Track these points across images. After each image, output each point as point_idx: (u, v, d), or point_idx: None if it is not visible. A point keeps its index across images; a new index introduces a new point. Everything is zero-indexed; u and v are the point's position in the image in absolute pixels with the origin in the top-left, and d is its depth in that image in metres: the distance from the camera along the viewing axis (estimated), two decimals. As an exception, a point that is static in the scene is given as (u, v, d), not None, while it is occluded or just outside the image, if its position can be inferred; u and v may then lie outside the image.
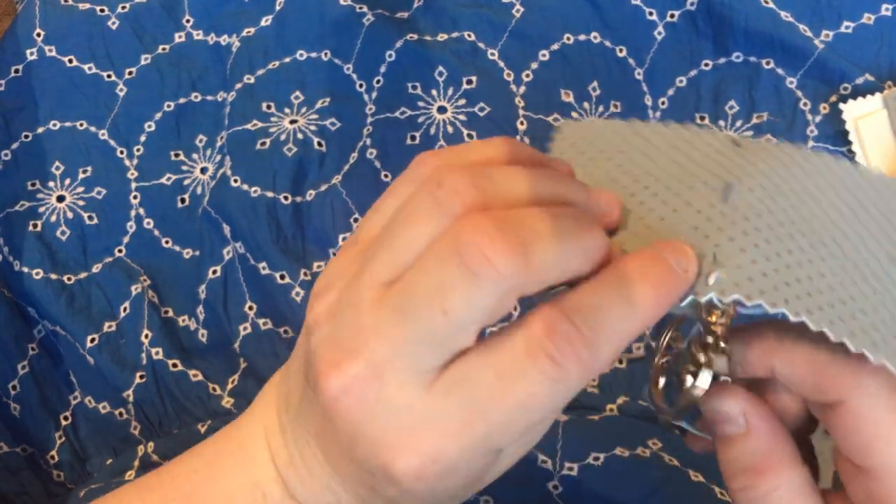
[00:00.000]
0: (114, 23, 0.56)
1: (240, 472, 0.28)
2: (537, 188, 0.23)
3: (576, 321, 0.21)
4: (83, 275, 0.51)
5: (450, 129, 0.53)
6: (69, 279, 0.51)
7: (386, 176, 0.52)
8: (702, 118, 0.53)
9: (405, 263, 0.22)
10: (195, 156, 0.55)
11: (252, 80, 0.54)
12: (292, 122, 0.53)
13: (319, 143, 0.53)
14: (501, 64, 0.54)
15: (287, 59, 0.55)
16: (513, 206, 0.23)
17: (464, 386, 0.22)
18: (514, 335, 0.22)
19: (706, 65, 0.53)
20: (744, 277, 0.22)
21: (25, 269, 0.51)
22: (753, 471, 0.24)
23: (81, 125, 0.54)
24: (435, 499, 0.24)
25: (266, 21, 0.56)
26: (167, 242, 0.53)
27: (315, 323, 0.24)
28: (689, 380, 0.24)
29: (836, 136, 0.51)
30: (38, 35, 0.56)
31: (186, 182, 0.54)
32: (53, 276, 0.51)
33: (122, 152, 0.54)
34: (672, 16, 0.54)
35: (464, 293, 0.21)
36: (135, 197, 0.54)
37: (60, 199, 0.53)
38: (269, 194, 0.51)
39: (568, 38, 0.54)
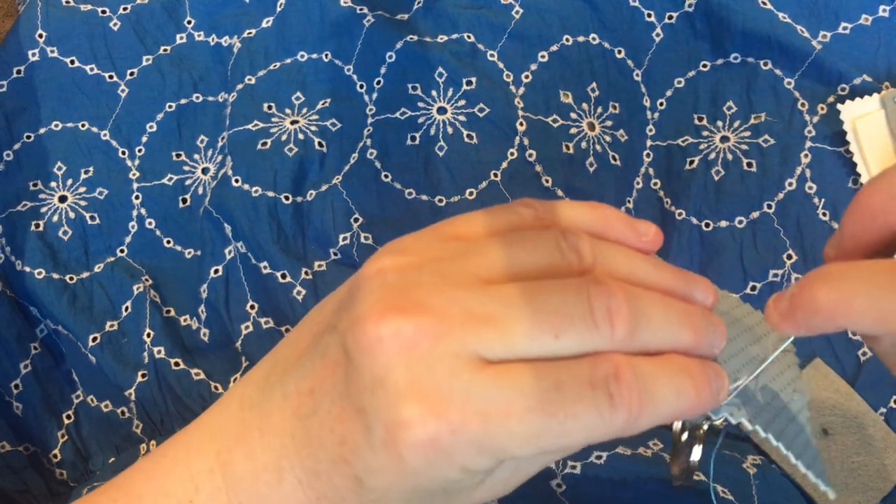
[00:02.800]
0: (115, 24, 0.57)
1: (180, 466, 0.28)
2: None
3: (640, 379, 0.23)
4: (85, 274, 0.52)
5: (449, 129, 0.53)
6: (71, 279, 0.51)
7: (386, 176, 0.52)
8: (700, 119, 0.53)
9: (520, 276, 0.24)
10: (196, 156, 0.55)
11: (253, 81, 0.55)
12: (293, 122, 0.53)
13: (320, 144, 0.53)
14: (501, 65, 0.54)
15: (288, 60, 0.55)
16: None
17: (517, 383, 0.22)
18: (582, 364, 0.23)
19: (704, 66, 0.54)
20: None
21: (27, 269, 0.51)
22: None
23: (83, 125, 0.55)
24: (402, 495, 0.24)
25: (267, 22, 0.56)
26: (169, 242, 0.53)
27: (381, 271, 0.24)
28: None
29: (834, 137, 0.51)
30: (40, 36, 0.56)
31: (188, 182, 0.54)
32: (55, 276, 0.51)
33: (123, 153, 0.55)
34: (670, 17, 0.54)
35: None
36: (136, 197, 0.54)
37: (62, 199, 0.53)
38: (270, 194, 0.51)
39: (567, 40, 0.55)
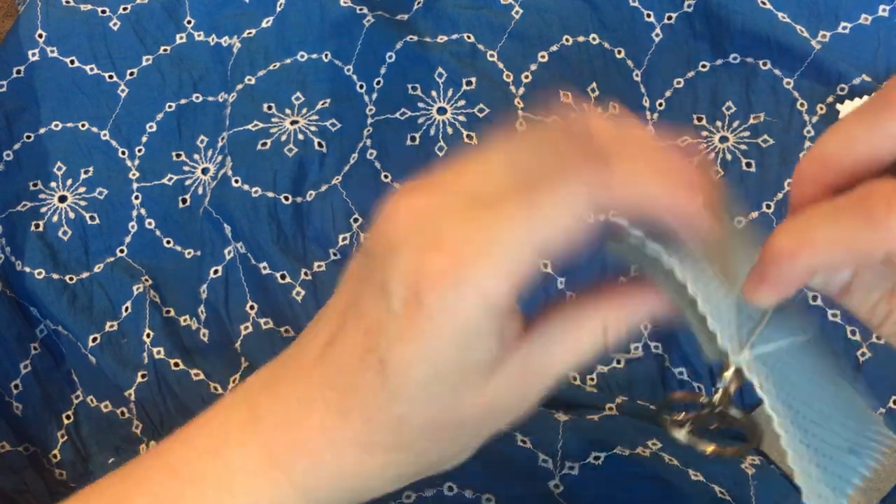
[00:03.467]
0: (115, 24, 0.57)
1: (210, 425, 0.28)
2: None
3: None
4: (85, 274, 0.52)
5: (449, 129, 0.53)
6: (71, 279, 0.51)
7: (386, 176, 0.53)
8: (699, 119, 0.53)
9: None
10: (196, 156, 0.55)
11: (253, 81, 0.55)
12: (293, 122, 0.53)
13: (320, 144, 0.53)
14: (501, 65, 0.54)
15: (288, 61, 0.55)
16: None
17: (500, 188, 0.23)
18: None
19: (703, 66, 0.54)
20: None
21: (27, 269, 0.51)
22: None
23: (83, 126, 0.55)
24: (425, 375, 0.23)
25: (267, 22, 0.56)
26: (168, 242, 0.53)
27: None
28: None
29: (833, 137, 0.51)
30: (40, 36, 0.56)
31: (188, 182, 0.54)
32: (55, 276, 0.51)
33: (123, 153, 0.55)
34: (669, 17, 0.54)
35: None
36: (136, 197, 0.54)
37: (62, 199, 0.53)
38: (270, 194, 0.51)
39: (567, 40, 0.55)
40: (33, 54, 0.56)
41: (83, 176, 0.54)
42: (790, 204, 0.24)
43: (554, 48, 0.55)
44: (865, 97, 0.50)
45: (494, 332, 0.23)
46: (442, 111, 0.53)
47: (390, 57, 0.54)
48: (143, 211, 0.54)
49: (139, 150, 0.55)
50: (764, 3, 0.53)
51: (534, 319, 0.25)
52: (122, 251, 0.53)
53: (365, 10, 0.55)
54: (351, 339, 0.24)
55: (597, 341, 0.25)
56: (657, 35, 0.54)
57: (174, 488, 0.26)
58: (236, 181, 0.52)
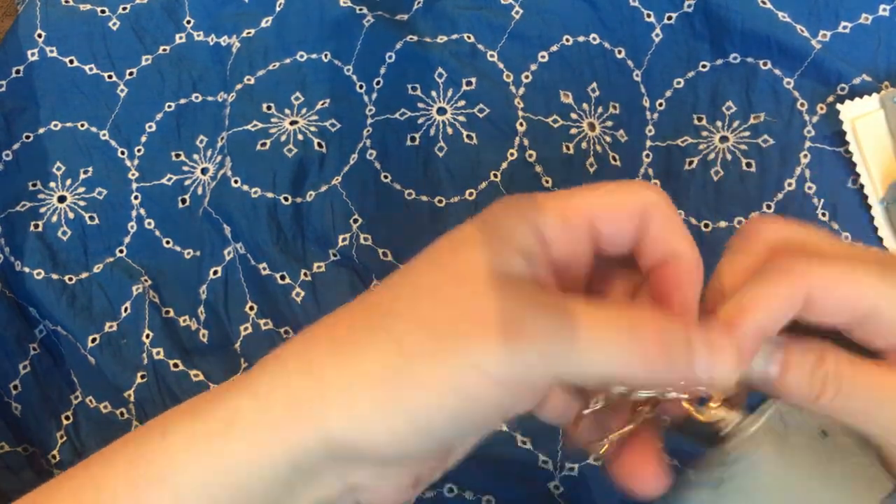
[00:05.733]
0: (114, 23, 0.57)
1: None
2: None
3: None
4: (84, 275, 0.52)
5: (449, 130, 0.53)
6: (70, 279, 0.51)
7: (385, 177, 0.52)
8: (699, 119, 0.53)
9: None
10: (196, 156, 0.55)
11: (252, 81, 0.54)
12: (292, 122, 0.53)
13: (319, 144, 0.53)
14: (501, 65, 0.54)
15: (287, 61, 0.55)
16: None
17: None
18: None
19: (703, 66, 0.54)
20: None
21: (27, 270, 0.51)
22: None
23: (82, 125, 0.55)
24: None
25: (266, 22, 0.56)
26: (168, 243, 0.53)
27: None
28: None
29: (833, 137, 0.51)
30: (40, 36, 0.56)
31: (187, 182, 0.54)
32: (55, 276, 0.51)
33: (122, 153, 0.55)
34: (669, 17, 0.54)
35: None
36: (136, 197, 0.54)
37: (61, 199, 0.53)
38: (270, 195, 0.51)
39: (567, 40, 0.55)
40: (32, 54, 0.56)
41: (82, 176, 0.54)
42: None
43: (554, 48, 0.54)
44: (865, 97, 0.50)
45: (527, 242, 0.25)
46: (442, 111, 0.53)
47: (390, 57, 0.54)
48: (142, 211, 0.54)
49: (138, 150, 0.55)
50: (764, 3, 0.52)
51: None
52: (121, 251, 0.53)
53: (365, 10, 0.55)
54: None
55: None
56: (657, 35, 0.54)
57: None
58: (236, 181, 0.52)
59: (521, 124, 0.53)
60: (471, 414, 0.23)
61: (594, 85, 0.54)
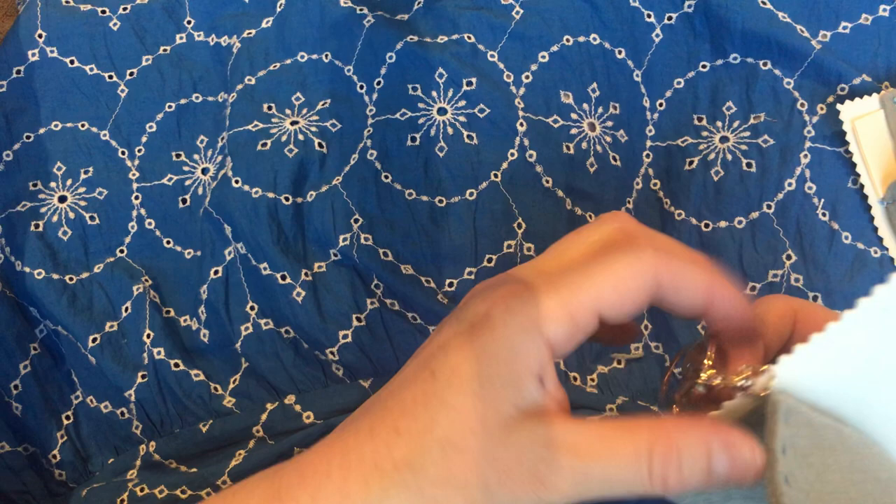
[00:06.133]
0: (115, 24, 0.57)
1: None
2: None
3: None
4: (85, 275, 0.52)
5: (450, 130, 0.53)
6: (71, 279, 0.51)
7: (386, 177, 0.52)
8: (699, 119, 0.53)
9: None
10: (196, 156, 0.55)
11: (253, 82, 0.55)
12: (293, 123, 0.53)
13: (320, 145, 0.53)
14: (501, 66, 0.54)
15: (288, 61, 0.55)
16: None
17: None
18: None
19: (704, 66, 0.54)
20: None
21: (27, 269, 0.51)
22: None
23: (83, 126, 0.55)
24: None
25: (267, 22, 0.56)
26: (168, 243, 0.53)
27: None
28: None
29: (833, 137, 0.51)
30: (40, 36, 0.56)
31: (188, 183, 0.54)
32: (55, 276, 0.51)
33: (123, 153, 0.55)
34: (670, 18, 0.54)
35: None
36: (136, 197, 0.54)
37: (62, 199, 0.53)
38: (270, 195, 0.51)
39: (567, 40, 0.55)
40: (33, 54, 0.56)
41: (83, 176, 0.54)
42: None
43: (554, 48, 0.54)
44: (866, 97, 0.50)
45: (540, 359, 0.23)
46: (442, 111, 0.53)
47: (390, 57, 0.54)
48: (142, 211, 0.54)
49: (139, 151, 0.55)
50: (764, 3, 0.53)
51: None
52: (121, 251, 0.53)
53: (365, 11, 0.55)
54: (413, 363, 0.25)
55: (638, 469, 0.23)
56: (657, 35, 0.54)
57: None
58: (236, 181, 0.52)
59: (522, 124, 0.53)
60: None
61: (594, 85, 0.54)
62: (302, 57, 0.55)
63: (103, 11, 0.57)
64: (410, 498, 0.23)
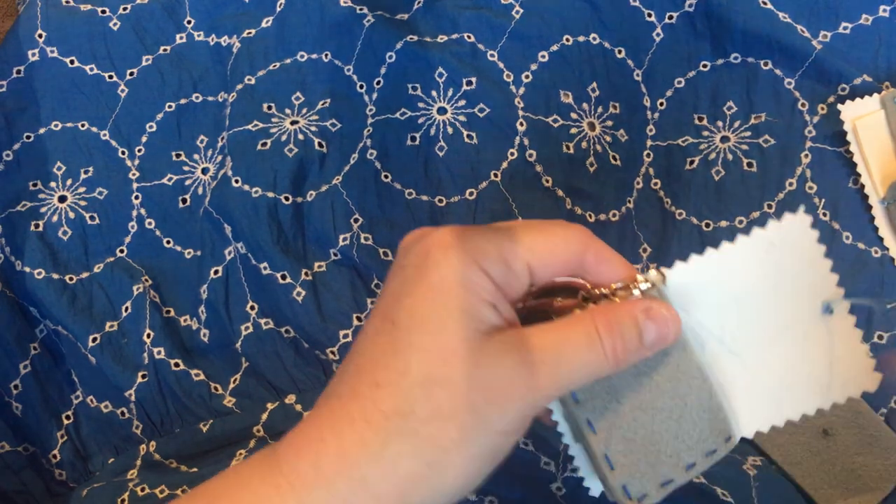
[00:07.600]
0: (115, 24, 0.57)
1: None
2: None
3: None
4: (85, 275, 0.52)
5: (450, 129, 0.53)
6: (71, 279, 0.51)
7: (386, 176, 0.52)
8: (700, 119, 0.53)
9: None
10: (196, 156, 0.55)
11: (253, 81, 0.55)
12: (293, 122, 0.53)
13: (320, 144, 0.53)
14: (501, 65, 0.54)
15: (287, 61, 0.55)
16: None
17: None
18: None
19: (704, 66, 0.54)
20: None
21: (27, 269, 0.51)
22: None
23: (83, 126, 0.55)
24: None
25: (267, 22, 0.56)
26: (168, 242, 0.53)
27: None
28: None
29: (834, 137, 0.51)
30: (40, 36, 0.56)
31: (188, 182, 0.54)
32: (55, 276, 0.51)
33: (123, 153, 0.55)
34: (670, 17, 0.54)
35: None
36: (136, 197, 0.54)
37: (62, 199, 0.53)
38: (270, 195, 0.51)
39: (567, 40, 0.55)
40: (33, 54, 0.56)
41: (83, 176, 0.54)
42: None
43: (554, 48, 0.54)
44: (866, 97, 0.50)
45: (487, 288, 0.25)
46: (442, 111, 0.53)
47: (390, 57, 0.54)
48: (142, 211, 0.54)
49: (139, 150, 0.55)
50: (765, 3, 0.52)
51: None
52: (121, 251, 0.53)
53: (365, 10, 0.55)
54: (372, 320, 0.26)
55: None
56: (658, 35, 0.54)
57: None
58: (236, 181, 0.52)
59: (522, 124, 0.53)
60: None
61: (594, 85, 0.54)
62: (302, 56, 0.55)
63: (103, 11, 0.57)
64: (408, 442, 0.24)
